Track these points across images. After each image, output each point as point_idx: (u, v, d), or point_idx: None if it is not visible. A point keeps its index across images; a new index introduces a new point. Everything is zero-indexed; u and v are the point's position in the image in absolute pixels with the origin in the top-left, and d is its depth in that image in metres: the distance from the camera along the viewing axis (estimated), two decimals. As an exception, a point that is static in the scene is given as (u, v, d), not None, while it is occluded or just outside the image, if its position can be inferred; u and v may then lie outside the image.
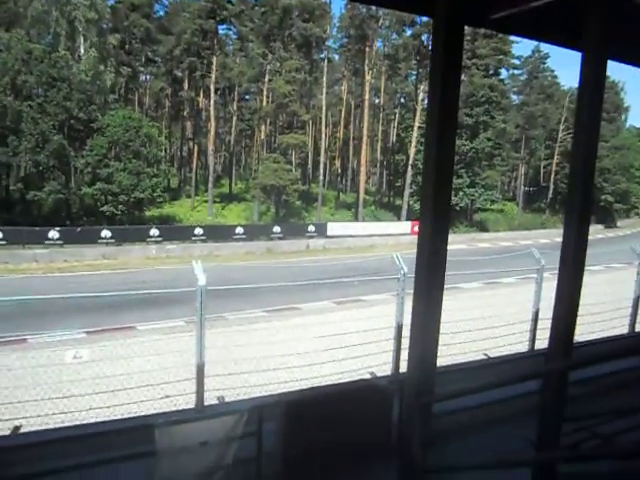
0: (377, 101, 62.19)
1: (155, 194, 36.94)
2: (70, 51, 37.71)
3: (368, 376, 9.52)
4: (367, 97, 50.45)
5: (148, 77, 59.34)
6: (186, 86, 51.24)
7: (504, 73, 56.05)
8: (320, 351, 11.03)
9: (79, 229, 30.82)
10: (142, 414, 7.72)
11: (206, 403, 6.68)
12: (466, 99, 45.72)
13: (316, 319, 14.65)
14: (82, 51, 39.23)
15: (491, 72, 50.90)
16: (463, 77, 43.55)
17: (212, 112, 47.57)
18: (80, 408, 8.21)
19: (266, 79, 47.93)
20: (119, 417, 7.67)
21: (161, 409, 8.02)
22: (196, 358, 6.38)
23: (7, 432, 7.14)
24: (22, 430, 7.32)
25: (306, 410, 5.42)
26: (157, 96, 61.52)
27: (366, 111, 50.47)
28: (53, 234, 28.96)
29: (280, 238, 35.97)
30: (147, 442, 4.82)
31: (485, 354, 10.64)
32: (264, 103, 48.96)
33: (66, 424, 7.25)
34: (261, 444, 5.28)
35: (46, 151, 33.93)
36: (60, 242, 28.89)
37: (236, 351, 10.57)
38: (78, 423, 7.20)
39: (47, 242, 28.60)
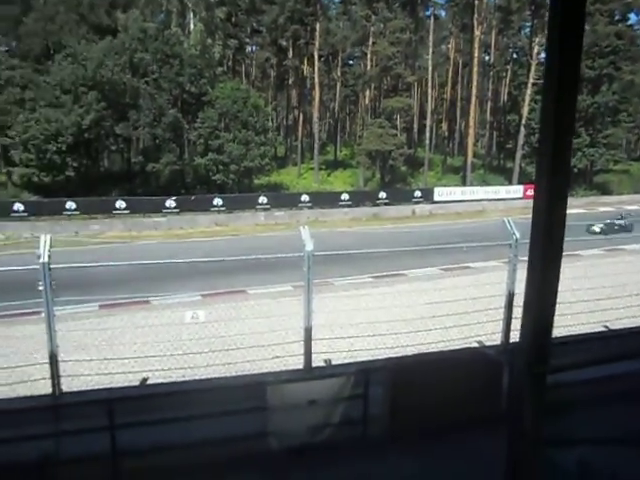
0: (487, 58, 58.89)
1: (263, 163, 38.01)
2: (181, 27, 39.30)
3: (476, 345, 9.28)
4: (476, 54, 47.86)
5: (254, 48, 60.48)
6: (290, 54, 51.61)
7: (633, 18, 50.61)
8: (427, 318, 10.89)
9: (193, 198, 32.57)
10: (254, 372, 8.09)
11: (314, 365, 6.86)
12: (587, 50, 41.95)
13: (423, 286, 14.46)
14: (192, 26, 40.72)
15: (617, 18, 46.16)
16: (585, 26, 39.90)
17: (316, 79, 47.65)
18: (198, 364, 8.78)
19: (370, 42, 47.00)
20: (233, 374, 8.10)
21: (271, 369, 8.36)
22: (304, 321, 6.54)
23: (136, 382, 7.81)
24: (149, 382, 7.97)
25: (412, 376, 5.40)
26: (263, 66, 62.61)
27: (475, 69, 47.98)
28: (170, 203, 30.88)
29: (386, 204, 35.71)
30: (259, 398, 5.07)
31: (605, 326, 9.95)
32: (368, 67, 48.19)
33: (187, 378, 7.78)
34: (367, 406, 5.36)
35: (162, 124, 35.98)
36: (176, 210, 30.77)
37: (342, 316, 10.72)
38: (197, 378, 7.69)
39: (165, 211, 30.59)
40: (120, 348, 9.35)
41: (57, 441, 4.92)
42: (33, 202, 31.75)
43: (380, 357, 8.56)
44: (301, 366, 6.75)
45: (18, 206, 29.65)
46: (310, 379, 5.79)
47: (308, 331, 6.55)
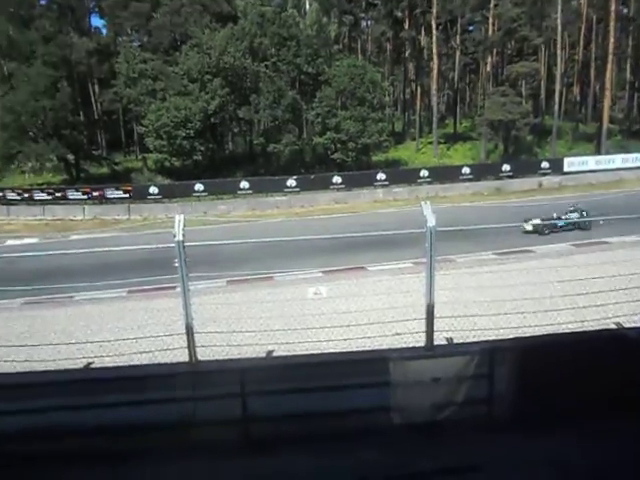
0: (625, 11, 53.12)
1: (381, 139, 37.74)
2: (296, 9, 39.83)
3: (613, 326, 8.59)
4: (613, 7, 43.37)
5: (369, 22, 59.74)
6: (407, 26, 50.33)
7: None
8: (557, 297, 10.26)
9: (313, 177, 33.22)
10: (376, 348, 8.16)
11: (435, 343, 6.76)
12: None
13: (552, 263, 13.62)
14: (307, 6, 41.09)
15: None
16: None
17: (434, 49, 46.07)
18: (320, 339, 9.03)
19: (491, 5, 44.44)
20: (354, 349, 8.23)
21: (392, 345, 8.38)
22: (425, 298, 6.43)
23: (263, 354, 8.23)
24: (274, 354, 8.35)
25: (541, 357, 5.13)
26: (378, 41, 61.77)
27: (612, 24, 43.51)
28: (291, 182, 31.78)
29: (510, 177, 33.94)
30: (380, 373, 5.11)
31: None
32: (490, 32, 45.66)
33: (310, 352, 8.04)
34: (492, 386, 5.18)
35: (282, 106, 36.96)
36: (297, 189, 31.61)
37: (465, 293, 10.44)
38: (319, 352, 7.93)
39: (286, 190, 31.55)
40: (247, 322, 9.86)
41: (194, 405, 5.32)
42: (166, 185, 34.33)
43: (505, 337, 8.24)
44: (422, 344, 6.68)
45: (153, 189, 32.23)
46: (433, 357, 5.71)
47: (430, 308, 6.44)
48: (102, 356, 8.82)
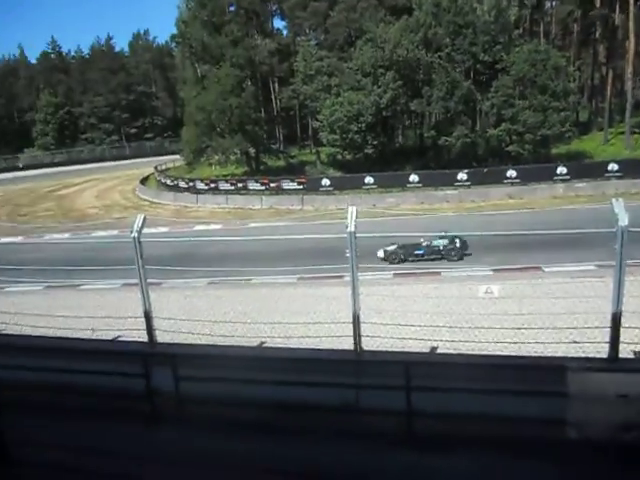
0: None
1: (563, 130, 34.74)
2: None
3: None
4: None
5: (553, 3, 55.27)
6: (598, 3, 45.59)
7: None
8: None
9: (485, 170, 31.80)
10: (552, 355, 7.57)
11: (620, 355, 6.06)
12: None
13: None
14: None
15: None
16: None
17: (631, 27, 41.01)
18: (489, 340, 8.63)
19: None
20: (525, 354, 7.73)
21: (568, 354, 7.71)
22: (612, 305, 5.78)
23: (426, 350, 8.09)
24: (438, 351, 8.16)
25: None
26: (564, 22, 56.80)
27: None
28: (461, 176, 30.77)
29: None
30: (555, 383, 4.71)
31: None
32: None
33: (475, 352, 7.72)
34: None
35: (455, 97, 35.89)
36: (468, 183, 30.51)
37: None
38: (485, 353, 7.57)
39: (456, 184, 30.62)
40: (412, 316, 9.79)
41: (356, 392, 5.41)
42: (337, 178, 35.42)
43: None
44: (604, 355, 6.02)
45: (325, 181, 33.46)
46: (618, 370, 5.13)
47: (616, 316, 5.78)
48: (274, 337, 9.41)
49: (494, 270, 13.76)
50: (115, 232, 23.42)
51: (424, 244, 16.65)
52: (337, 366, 5.71)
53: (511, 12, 40.76)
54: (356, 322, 6.14)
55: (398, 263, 15.92)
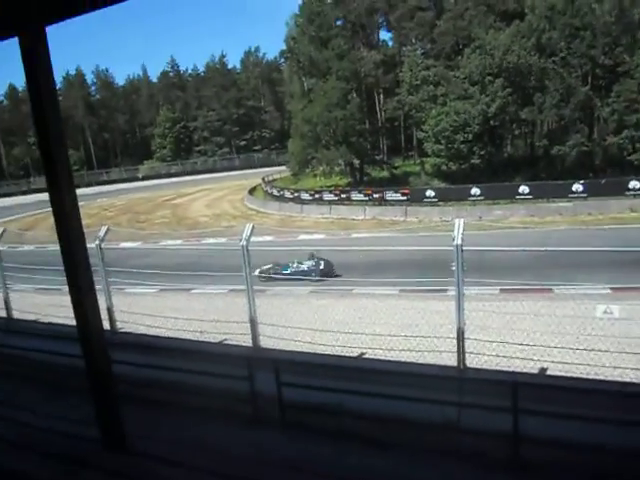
0: None
1: (695, 137, 31.76)
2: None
3: None
4: None
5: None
6: None
7: None
8: None
9: (604, 181, 29.66)
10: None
11: None
12: None
13: None
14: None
15: None
16: None
17: None
18: (605, 364, 7.99)
19: None
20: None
21: None
22: None
23: (535, 371, 7.64)
24: (548, 372, 7.67)
25: None
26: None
27: None
28: (577, 187, 28.93)
29: None
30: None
31: None
32: None
33: (590, 377, 7.17)
34: None
35: (570, 104, 33.95)
36: (584, 195, 28.62)
37: None
38: (603, 379, 7.01)
39: (570, 196, 28.82)
40: (519, 334, 9.28)
41: (459, 410, 5.22)
42: (442, 189, 34.68)
43: None
44: None
45: (429, 193, 32.86)
46: None
47: None
48: (374, 348, 9.33)
49: (613, 289, 12.73)
50: (224, 240, 24.49)
51: (294, 265, 17.47)
52: (439, 382, 5.55)
53: (635, 11, 37.90)
54: (460, 337, 5.96)
55: (266, 280, 16.13)
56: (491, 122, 36.35)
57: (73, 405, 5.74)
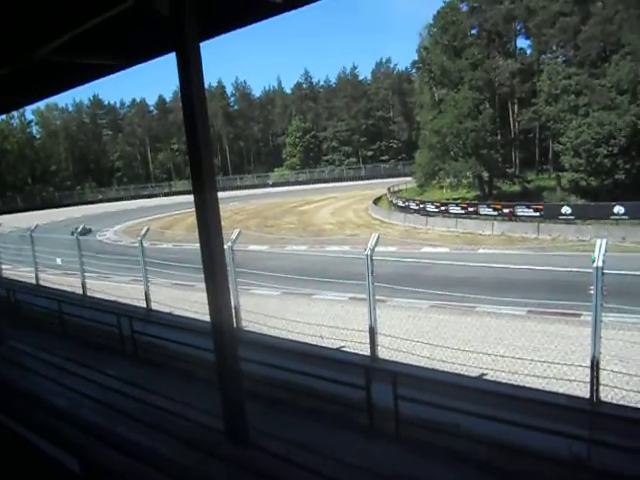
0: None
1: None
2: None
3: None
4: None
5: None
6: None
7: None
8: None
9: None
10: None
11: None
12: None
13: None
14: None
15: None
16: None
17: None
18: None
19: None
20: None
21: None
22: None
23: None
24: None
25: None
26: None
27: None
28: None
29: None
30: None
31: None
32: None
33: None
34: None
35: None
36: None
37: None
38: None
39: None
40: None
41: (588, 447, 4.83)
42: (579, 205, 32.27)
43: None
44: None
45: (565, 209, 30.73)
46: None
47: None
48: (496, 370, 8.91)
49: None
50: (347, 248, 24.82)
51: None
52: (567, 413, 5.17)
53: None
54: (594, 368, 5.50)
55: None
56: (640, 135, 33.29)
57: (200, 394, 6.14)
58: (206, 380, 6.33)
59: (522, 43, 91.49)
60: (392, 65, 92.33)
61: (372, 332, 7.12)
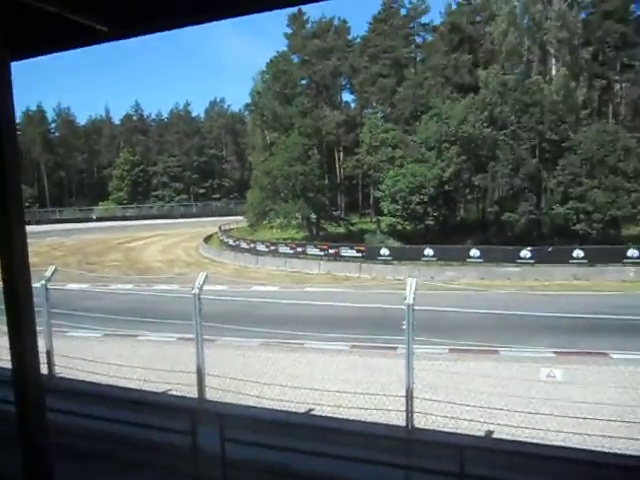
0: None
1: (635, 211, 33.65)
2: (541, 75, 38.65)
3: None
4: None
5: (623, 85, 54.90)
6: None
7: None
8: None
9: (550, 249, 30.89)
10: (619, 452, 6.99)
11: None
12: None
13: None
14: (553, 72, 39.61)
15: None
16: None
17: None
18: (549, 428, 8.10)
19: None
20: (594, 449, 7.17)
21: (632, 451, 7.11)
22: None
23: (481, 433, 7.66)
24: (493, 435, 7.71)
25: None
26: (634, 104, 56.21)
27: None
28: (525, 253, 29.99)
29: None
30: None
31: None
32: None
33: (535, 441, 7.25)
34: None
35: (520, 174, 35.67)
36: (531, 261, 29.67)
37: None
38: (546, 444, 7.09)
39: (518, 261, 29.81)
40: (467, 394, 9.35)
41: (406, 474, 5.16)
42: (396, 248, 35.31)
43: None
44: None
45: (384, 251, 33.35)
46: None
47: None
48: (322, 404, 9.18)
49: (556, 352, 13.07)
50: (176, 286, 24.05)
51: None
52: (387, 442, 5.49)
53: (579, 92, 40.76)
54: (409, 397, 5.95)
55: None
56: (446, 186, 37.66)
57: None
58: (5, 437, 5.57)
59: (347, 97, 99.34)
60: (226, 105, 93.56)
61: (200, 373, 6.92)
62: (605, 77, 49.43)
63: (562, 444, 7.29)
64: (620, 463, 5.03)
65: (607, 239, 33.55)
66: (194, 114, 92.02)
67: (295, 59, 53.32)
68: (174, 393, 9.06)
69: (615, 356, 12.75)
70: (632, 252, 28.85)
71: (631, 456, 6.12)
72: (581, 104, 41.56)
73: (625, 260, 28.64)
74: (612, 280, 26.72)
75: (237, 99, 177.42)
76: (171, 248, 45.41)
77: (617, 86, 54.94)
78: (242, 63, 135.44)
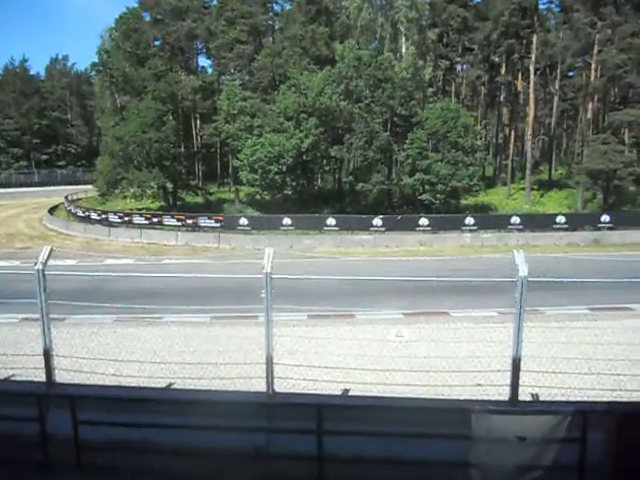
0: None
1: (471, 183, 37.12)
2: (393, 52, 40.52)
3: None
4: None
5: (464, 67, 59.72)
6: (503, 70, 49.75)
7: None
8: None
9: (399, 217, 33.04)
10: (456, 398, 7.83)
11: (520, 398, 6.39)
12: None
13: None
14: (403, 50, 41.69)
15: None
16: None
17: (531, 94, 45.04)
18: (397, 382, 8.81)
19: (595, 51, 42.99)
20: (433, 397, 7.94)
21: (473, 396, 8.03)
22: (512, 350, 6.14)
23: (339, 392, 8.14)
24: (350, 393, 8.22)
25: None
26: (473, 85, 61.41)
27: None
28: (377, 222, 31.79)
29: (610, 228, 31.94)
30: (461, 425, 4.88)
31: None
32: (592, 78, 44.07)
33: (387, 394, 7.85)
34: (584, 453, 4.80)
35: (374, 147, 37.37)
36: (382, 229, 31.54)
37: (554, 348, 9.86)
38: (400, 396, 7.71)
39: (372, 229, 31.56)
40: (325, 357, 9.83)
41: (268, 437, 5.32)
42: (255, 217, 35.48)
43: (600, 399, 7.67)
44: (506, 397, 6.34)
45: (243, 220, 33.35)
46: (518, 413, 5.40)
47: (516, 361, 6.13)
48: (184, 377, 9.09)
49: (405, 314, 14.16)
50: (17, 263, 22.03)
51: None
52: (249, 409, 5.60)
53: (426, 71, 43.44)
54: (269, 363, 6.10)
55: None
56: (304, 156, 38.29)
57: None
58: None
59: (204, 62, 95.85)
60: (70, 64, 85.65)
61: (47, 355, 6.46)
62: (448, 58, 53.25)
63: (410, 395, 7.98)
64: (460, 407, 5.64)
65: (448, 208, 36.73)
66: (32, 72, 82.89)
67: (147, 17, 50.19)
68: (19, 379, 8.39)
69: (454, 314, 14.15)
70: (469, 220, 31.97)
71: (470, 400, 6.89)
72: (428, 82, 44.39)
73: (463, 227, 31.64)
74: (453, 245, 29.44)
75: (82, 57, 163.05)
76: (11, 220, 41.20)
77: (459, 67, 59.55)
78: (88, 17, 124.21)
